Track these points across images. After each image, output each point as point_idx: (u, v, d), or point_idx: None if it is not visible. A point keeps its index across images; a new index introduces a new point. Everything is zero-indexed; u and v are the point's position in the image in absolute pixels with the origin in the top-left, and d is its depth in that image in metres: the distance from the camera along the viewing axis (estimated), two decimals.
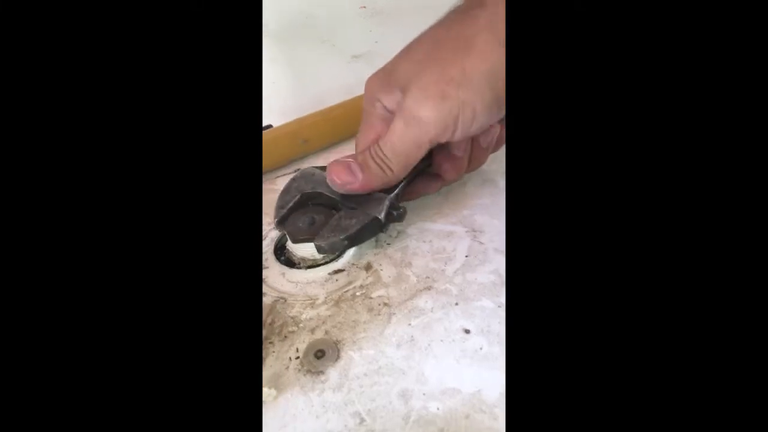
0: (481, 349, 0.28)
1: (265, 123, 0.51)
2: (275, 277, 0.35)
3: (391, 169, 0.34)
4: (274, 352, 0.30)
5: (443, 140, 0.33)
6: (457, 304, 0.31)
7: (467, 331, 0.30)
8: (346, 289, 0.34)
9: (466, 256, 0.35)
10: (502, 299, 0.31)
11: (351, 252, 0.36)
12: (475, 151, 0.38)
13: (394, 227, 0.38)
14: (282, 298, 0.34)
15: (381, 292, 0.33)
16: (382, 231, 0.35)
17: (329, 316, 0.32)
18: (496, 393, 0.26)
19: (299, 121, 0.49)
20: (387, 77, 0.35)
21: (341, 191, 0.35)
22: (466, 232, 0.37)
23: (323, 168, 0.36)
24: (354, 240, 0.34)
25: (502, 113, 0.33)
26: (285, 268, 0.36)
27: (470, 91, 0.31)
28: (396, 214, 0.35)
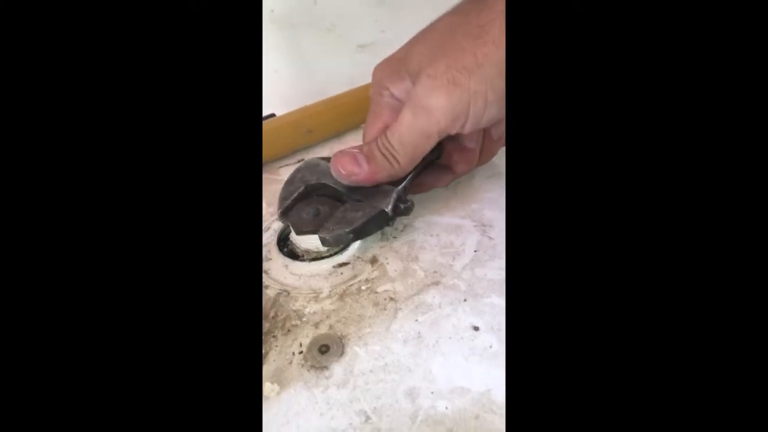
0: (490, 347, 0.28)
1: (268, 112, 0.49)
2: (278, 269, 0.34)
3: (397, 161, 0.33)
4: (277, 346, 0.29)
5: (453, 131, 0.32)
6: (465, 300, 0.30)
7: (476, 329, 0.29)
8: (351, 283, 0.33)
9: (475, 251, 0.34)
10: None
11: (356, 245, 0.35)
12: (486, 143, 0.37)
13: (401, 220, 0.37)
14: (285, 290, 0.33)
15: (387, 286, 0.32)
16: (388, 224, 0.34)
17: (333, 310, 0.31)
18: None
19: (303, 111, 0.48)
20: (396, 65, 0.34)
21: (346, 182, 0.34)
22: (475, 226, 0.36)
23: (328, 159, 0.35)
24: (360, 233, 0.33)
25: None
26: (288, 260, 0.35)
27: (482, 81, 0.30)
28: (403, 207, 0.34)
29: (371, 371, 0.27)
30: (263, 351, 0.29)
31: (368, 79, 0.51)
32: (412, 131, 0.32)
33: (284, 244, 0.36)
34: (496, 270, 0.32)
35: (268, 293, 0.33)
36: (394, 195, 0.33)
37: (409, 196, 0.35)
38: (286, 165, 0.46)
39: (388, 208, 0.33)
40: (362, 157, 0.33)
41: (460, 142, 0.36)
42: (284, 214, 0.35)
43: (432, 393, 0.26)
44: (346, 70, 0.60)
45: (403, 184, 0.34)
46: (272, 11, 0.69)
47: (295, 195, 0.35)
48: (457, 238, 0.35)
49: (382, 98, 0.35)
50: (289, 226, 0.35)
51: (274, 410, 0.26)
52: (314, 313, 0.31)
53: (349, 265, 0.34)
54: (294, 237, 0.35)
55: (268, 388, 0.27)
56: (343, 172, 0.33)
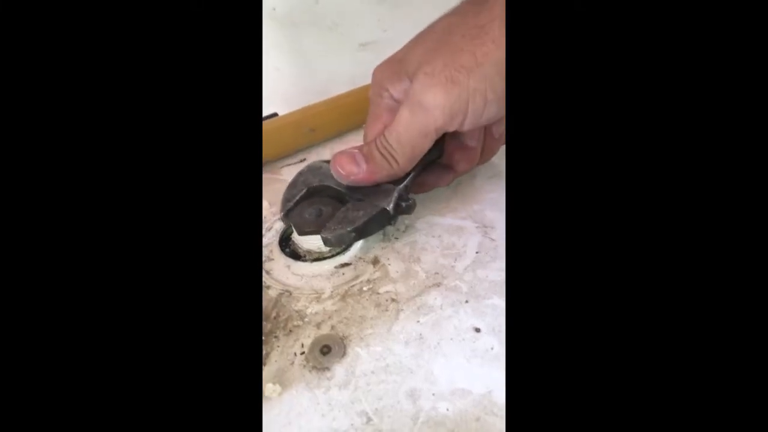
0: (492, 348, 0.28)
1: (270, 111, 0.49)
2: (280, 270, 0.34)
3: (396, 160, 0.33)
4: (278, 346, 0.29)
5: (451, 129, 0.32)
6: (467, 301, 0.30)
7: (478, 330, 0.29)
8: (352, 284, 0.33)
9: (477, 253, 0.34)
10: None
11: (358, 245, 0.35)
12: (487, 141, 0.37)
13: (402, 221, 0.37)
14: (287, 291, 0.33)
15: (389, 287, 0.32)
16: (390, 223, 0.34)
17: (335, 310, 0.31)
18: None
19: (305, 110, 0.48)
20: (395, 65, 0.34)
21: (346, 183, 0.34)
22: (477, 227, 0.36)
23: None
24: (362, 232, 0.33)
25: None
26: (290, 261, 0.35)
27: (481, 79, 0.30)
28: (405, 206, 0.34)
29: (373, 372, 0.27)
30: (265, 351, 0.29)
31: (370, 78, 0.51)
32: (410, 130, 0.32)
33: (286, 245, 0.36)
34: (497, 271, 0.32)
35: (270, 293, 0.33)
36: (396, 194, 0.33)
37: (411, 195, 0.35)
38: (289, 164, 0.46)
39: (390, 207, 0.33)
40: (361, 157, 0.33)
41: (461, 141, 0.36)
42: (287, 215, 0.35)
43: (433, 394, 0.26)
44: (348, 69, 0.60)
45: (404, 182, 0.34)
46: (274, 9, 0.69)
47: (298, 197, 0.35)
48: (458, 239, 0.35)
49: (382, 99, 0.35)
50: (291, 226, 0.36)
51: (276, 411, 0.26)
52: (316, 313, 0.31)
53: (351, 266, 0.34)
54: (296, 237, 0.35)
55: (270, 388, 0.27)
56: (343, 173, 0.33)
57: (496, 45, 0.29)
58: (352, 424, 0.25)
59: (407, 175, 0.34)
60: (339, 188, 0.35)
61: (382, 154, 0.33)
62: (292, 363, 0.28)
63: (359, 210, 0.33)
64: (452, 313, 0.30)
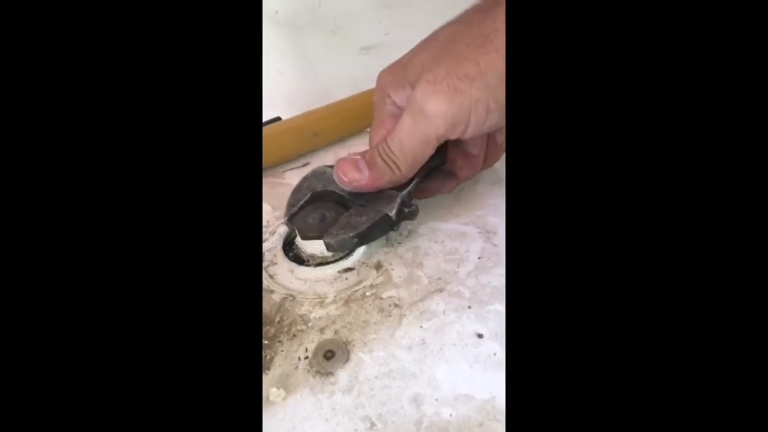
0: (494, 354, 0.28)
1: (273, 114, 0.50)
2: (284, 274, 0.35)
3: (398, 167, 0.33)
4: (282, 350, 0.29)
5: (453, 137, 0.32)
6: (470, 307, 0.31)
7: (480, 336, 0.29)
8: (355, 289, 0.33)
9: (479, 258, 0.34)
10: None
11: (361, 250, 0.35)
12: (490, 147, 0.37)
13: (405, 226, 0.37)
14: (290, 295, 0.33)
15: (392, 292, 0.32)
16: (393, 229, 0.35)
17: (339, 315, 0.31)
18: None
19: (308, 115, 0.48)
20: (399, 71, 0.34)
21: (348, 189, 0.34)
22: (479, 233, 0.36)
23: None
24: (364, 238, 0.33)
25: None
26: (294, 265, 0.35)
27: (484, 89, 0.30)
28: (407, 212, 0.34)
29: (376, 377, 0.27)
30: (269, 356, 0.29)
31: (372, 82, 0.51)
32: (412, 137, 0.32)
33: (290, 249, 0.37)
34: (499, 277, 0.32)
35: (274, 298, 0.33)
36: (398, 200, 0.34)
37: (414, 201, 0.35)
38: (292, 169, 0.46)
39: (392, 213, 0.33)
40: (363, 163, 0.33)
41: (464, 148, 0.36)
42: (291, 219, 0.35)
43: (436, 400, 0.26)
44: (350, 72, 0.60)
45: (407, 189, 0.34)
46: (276, 12, 0.69)
47: (302, 202, 0.36)
48: (461, 244, 0.35)
49: (385, 105, 0.35)
50: (294, 230, 0.36)
51: (281, 415, 0.26)
52: (320, 318, 0.31)
53: (354, 271, 0.34)
54: (299, 241, 0.36)
55: (274, 393, 0.27)
56: (345, 179, 0.34)
57: (500, 54, 0.29)
58: (355, 429, 0.25)
59: (410, 181, 0.34)
60: (343, 194, 0.35)
61: (384, 161, 0.33)
62: (296, 367, 0.28)
63: (362, 215, 0.33)
64: (455, 319, 0.30)
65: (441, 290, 0.32)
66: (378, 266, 0.34)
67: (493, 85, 0.30)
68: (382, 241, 0.36)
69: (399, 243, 0.36)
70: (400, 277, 0.33)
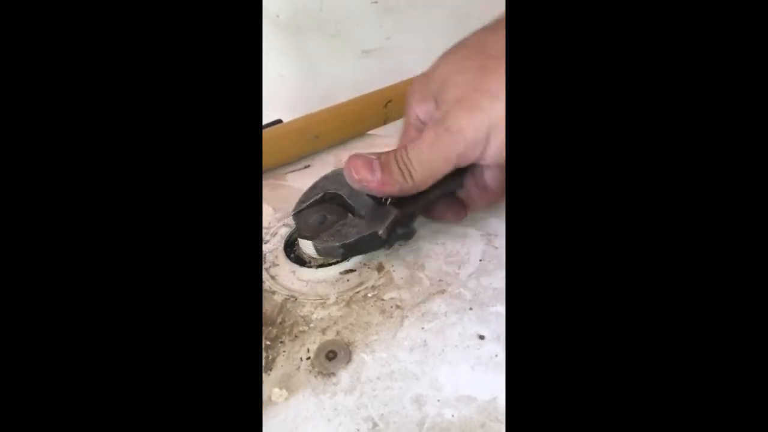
0: (496, 356, 0.28)
1: (274, 117, 0.50)
2: (285, 275, 0.35)
3: (411, 177, 0.32)
4: (284, 351, 0.30)
5: (473, 157, 0.31)
6: (471, 309, 0.31)
7: (482, 337, 0.29)
8: (357, 290, 0.33)
9: (480, 260, 0.34)
10: None
11: None
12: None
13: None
14: (292, 296, 0.33)
15: (393, 294, 0.32)
16: (384, 247, 0.34)
17: (340, 316, 0.31)
18: None
19: (309, 117, 0.48)
20: (423, 84, 0.33)
21: (357, 188, 0.33)
22: (481, 235, 0.36)
23: None
24: (351, 249, 0.33)
25: None
26: (295, 266, 0.35)
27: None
28: (401, 233, 0.34)
29: (378, 378, 0.28)
30: (272, 356, 0.29)
31: (372, 85, 0.51)
32: (433, 151, 0.31)
33: (291, 250, 0.37)
34: (501, 279, 0.33)
35: (276, 299, 0.33)
36: (392, 218, 0.33)
37: (416, 224, 0.35)
38: (293, 171, 0.46)
39: (381, 232, 0.32)
40: (378, 164, 0.32)
41: (482, 180, 0.35)
42: (297, 214, 0.35)
43: (438, 401, 0.26)
44: (351, 75, 0.60)
45: (411, 209, 0.34)
46: (278, 16, 0.70)
47: (312, 200, 0.36)
48: (462, 246, 0.36)
49: (410, 118, 0.34)
50: (295, 231, 0.36)
51: (283, 416, 0.26)
52: (321, 319, 0.31)
53: (356, 272, 0.34)
54: (301, 242, 0.36)
55: (276, 393, 0.27)
56: (356, 177, 0.32)
57: None
58: (358, 430, 0.25)
59: (417, 199, 0.33)
60: (350, 201, 0.35)
61: (399, 167, 0.32)
62: (298, 368, 0.29)
63: (354, 227, 0.33)
64: (456, 320, 0.30)
65: (442, 292, 0.32)
66: (379, 268, 0.35)
67: None
68: None
69: (400, 245, 0.36)
70: (401, 278, 0.34)
